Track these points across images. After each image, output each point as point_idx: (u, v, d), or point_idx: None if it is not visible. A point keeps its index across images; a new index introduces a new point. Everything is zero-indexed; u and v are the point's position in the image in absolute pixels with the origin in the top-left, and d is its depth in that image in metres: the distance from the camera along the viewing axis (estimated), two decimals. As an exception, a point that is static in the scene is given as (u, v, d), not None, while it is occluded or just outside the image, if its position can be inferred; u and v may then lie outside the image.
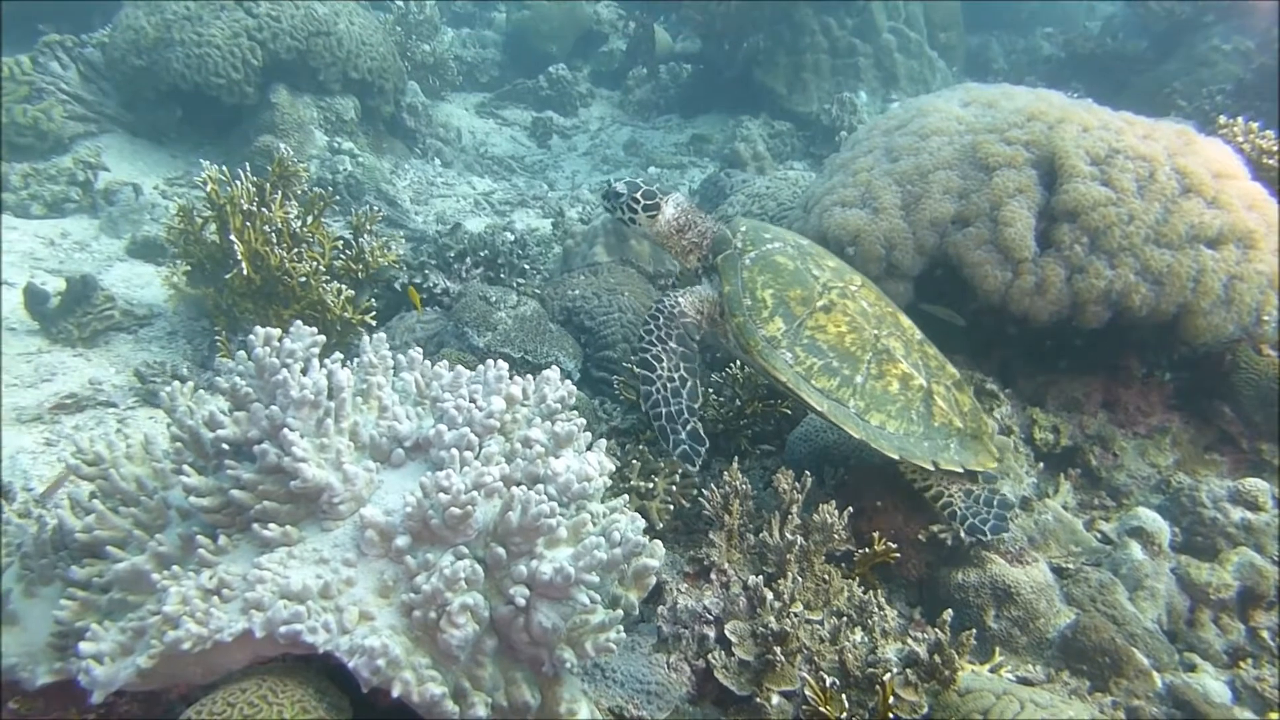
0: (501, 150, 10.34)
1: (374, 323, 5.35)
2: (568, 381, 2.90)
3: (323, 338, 2.83)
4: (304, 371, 2.67)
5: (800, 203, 5.42)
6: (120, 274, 6.43)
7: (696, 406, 3.69)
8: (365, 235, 5.70)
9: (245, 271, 5.07)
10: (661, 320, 3.84)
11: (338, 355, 2.81)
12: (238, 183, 5.30)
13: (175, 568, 2.50)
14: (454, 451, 2.54)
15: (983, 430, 3.79)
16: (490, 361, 2.81)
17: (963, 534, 3.66)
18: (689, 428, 3.62)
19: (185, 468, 2.63)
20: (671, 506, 3.92)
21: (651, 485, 3.89)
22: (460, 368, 2.78)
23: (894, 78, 9.86)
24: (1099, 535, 4.01)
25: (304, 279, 5.19)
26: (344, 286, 5.36)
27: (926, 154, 4.71)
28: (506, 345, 5.07)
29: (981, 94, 4.97)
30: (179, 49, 7.65)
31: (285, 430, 2.53)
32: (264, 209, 5.21)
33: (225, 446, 2.67)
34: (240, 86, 7.79)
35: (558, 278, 5.85)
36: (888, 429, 3.63)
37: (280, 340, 2.73)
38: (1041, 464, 4.31)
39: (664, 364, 3.76)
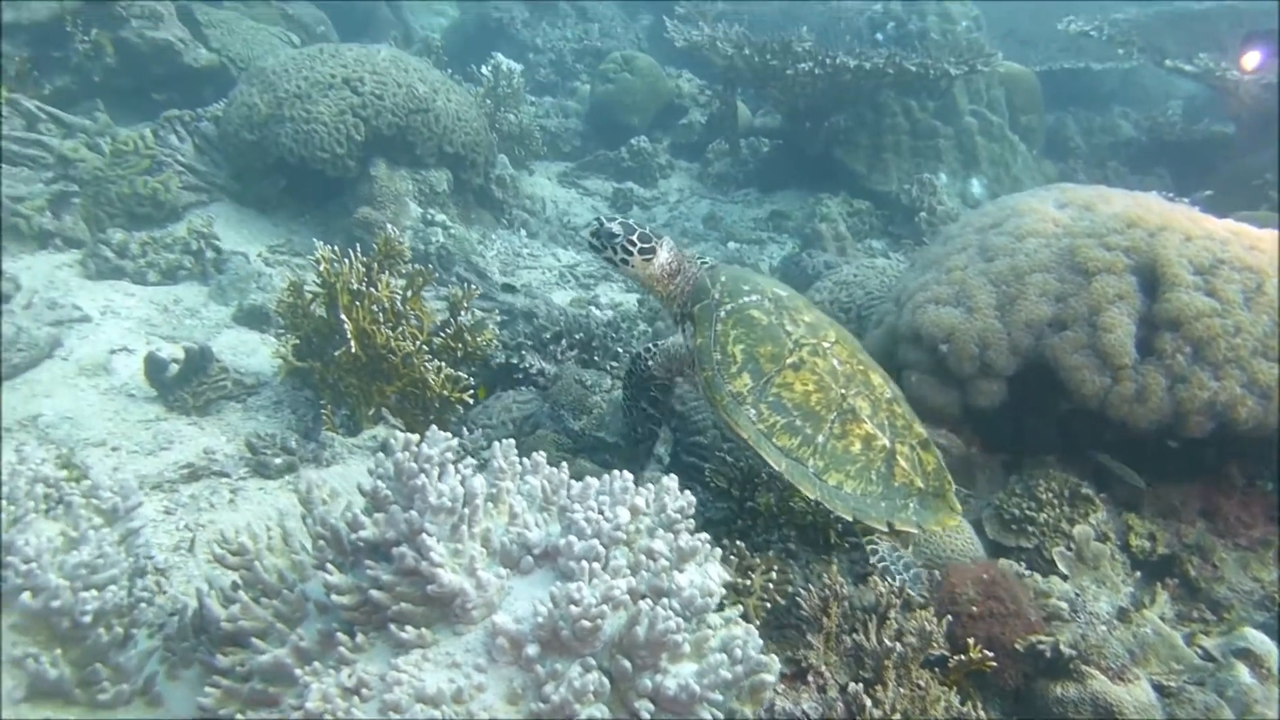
0: (584, 221, 10.58)
1: (471, 401, 5.52)
2: (687, 492, 3.00)
3: (455, 441, 2.97)
4: (440, 477, 2.81)
5: (891, 296, 5.50)
6: (227, 341, 6.72)
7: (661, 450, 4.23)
8: (462, 312, 5.89)
9: (354, 349, 5.29)
10: (633, 381, 4.32)
11: (470, 460, 2.95)
12: (346, 261, 5.54)
13: (316, 664, 2.63)
14: (584, 564, 2.65)
15: (945, 489, 3.85)
16: (616, 473, 2.92)
17: (875, 572, 3.79)
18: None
19: (328, 566, 2.77)
20: (768, 605, 3.97)
21: (748, 582, 3.95)
22: (589, 478, 2.89)
23: (975, 160, 9.94)
24: (1200, 651, 3.96)
25: (407, 357, 5.39)
26: (443, 364, 5.54)
27: (1023, 255, 4.77)
28: (601, 430, 5.20)
29: (1077, 195, 5.03)
30: (289, 125, 8.03)
31: (423, 536, 2.66)
32: (372, 288, 5.44)
33: (363, 545, 2.82)
34: (343, 160, 8.14)
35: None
36: (845, 489, 3.71)
37: (418, 445, 2.88)
38: (1138, 573, 4.29)
39: (634, 415, 4.44)
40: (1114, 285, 4.39)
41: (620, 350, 5.86)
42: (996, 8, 12.64)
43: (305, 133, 8.02)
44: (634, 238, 4.13)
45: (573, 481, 2.90)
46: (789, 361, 3.81)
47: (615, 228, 4.18)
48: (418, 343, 5.46)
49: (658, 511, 2.98)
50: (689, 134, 12.18)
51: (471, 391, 5.52)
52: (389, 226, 6.43)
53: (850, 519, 3.67)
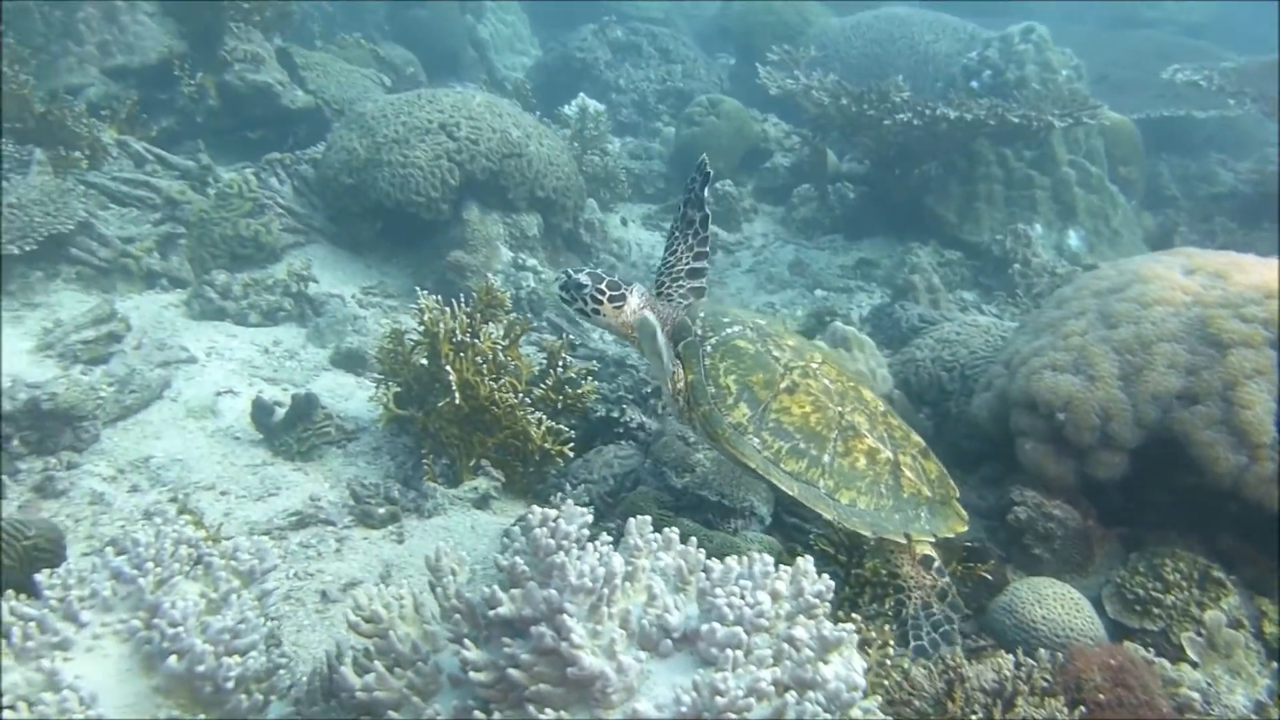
0: (668, 264, 10.59)
1: (572, 454, 5.51)
2: (824, 575, 2.93)
3: (590, 516, 2.94)
4: (579, 555, 2.78)
5: (1001, 359, 5.37)
6: (325, 384, 6.82)
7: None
8: (560, 364, 5.90)
9: (457, 400, 5.31)
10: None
11: (606, 537, 2.91)
12: (448, 310, 5.58)
13: (453, 742, 2.60)
14: (728, 652, 2.59)
15: (950, 495, 3.89)
16: (755, 556, 2.86)
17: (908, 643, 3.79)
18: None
19: (465, 642, 2.75)
20: (885, 682, 3.86)
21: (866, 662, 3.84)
22: (730, 561, 2.84)
23: (1072, 211, 9.74)
24: (1347, 750, 3.75)
25: (509, 409, 5.40)
26: (544, 416, 5.55)
27: (1149, 323, 4.62)
28: (704, 488, 5.14)
29: (1206, 261, 4.87)
30: (386, 169, 8.19)
31: (563, 617, 2.63)
32: (475, 340, 5.47)
33: (498, 620, 2.79)
34: (437, 204, 8.27)
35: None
36: (859, 506, 3.71)
37: (556, 520, 2.85)
38: (1275, 663, 4.09)
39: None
40: (1251, 360, 4.22)
41: (721, 406, 5.80)
42: (1088, 53, 12.43)
43: (402, 176, 8.17)
44: (602, 286, 4.11)
45: (712, 563, 2.85)
46: (783, 386, 3.81)
47: (583, 278, 4.16)
48: (519, 394, 5.47)
49: (794, 595, 2.91)
50: (773, 178, 12.15)
51: (572, 444, 5.51)
52: (490, 276, 6.49)
53: (870, 535, 3.66)
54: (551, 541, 2.80)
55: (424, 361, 5.71)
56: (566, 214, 9.18)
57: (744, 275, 10.64)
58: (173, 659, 2.68)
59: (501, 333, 5.70)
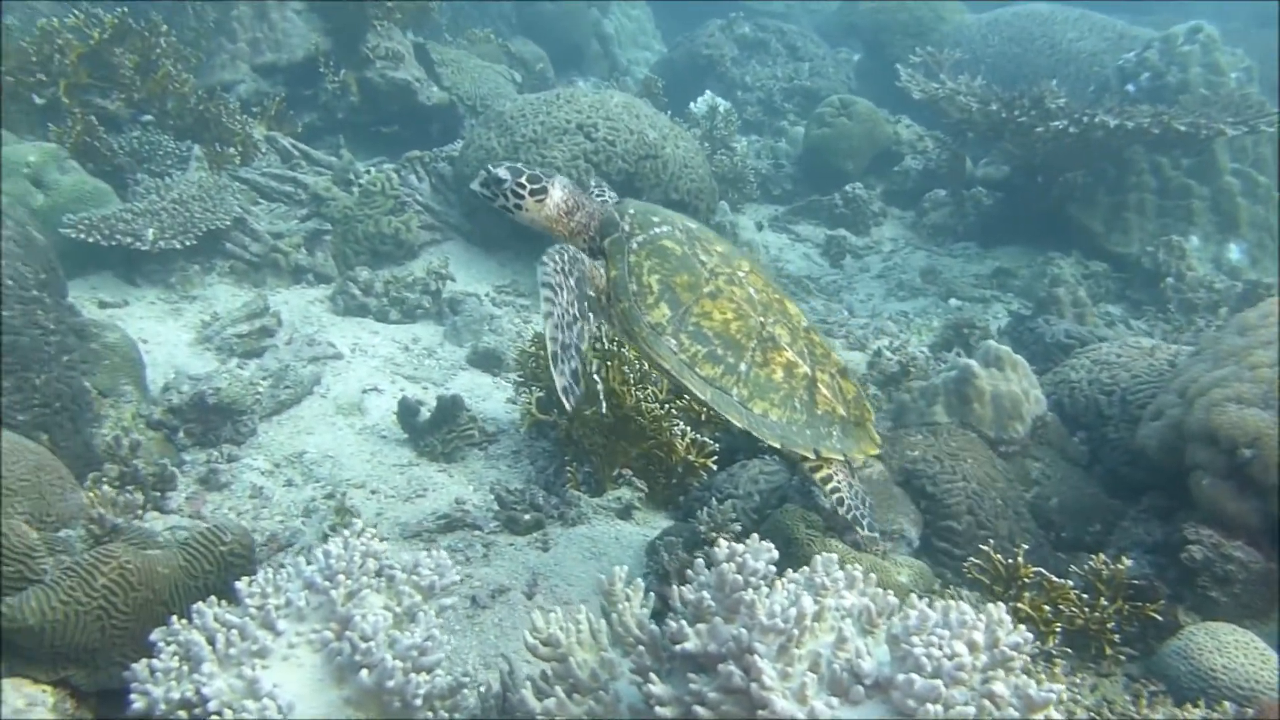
0: (796, 269, 10.45)
1: (715, 467, 5.45)
2: (1021, 627, 2.79)
3: (776, 553, 2.87)
4: (769, 592, 2.71)
5: (1174, 387, 5.09)
6: (463, 383, 6.91)
7: (583, 348, 3.60)
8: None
9: (604, 410, 5.30)
10: (566, 256, 3.65)
11: (795, 575, 2.84)
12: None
13: (639, 777, 2.57)
14: (927, 706, 2.49)
15: (865, 418, 3.85)
16: (951, 603, 2.75)
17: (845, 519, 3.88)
18: (573, 365, 3.57)
19: (652, 676, 2.72)
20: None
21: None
22: (924, 608, 2.73)
23: (1234, 223, 9.21)
24: None
25: (655, 419, 5.37)
26: (688, 428, 5.50)
27: (1348, 358, 4.32)
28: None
29: None
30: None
31: (755, 658, 2.57)
32: (622, 349, 5.45)
33: (680, 654, 2.75)
34: (573, 205, 8.28)
35: (892, 433, 5.77)
36: (770, 417, 3.67)
37: (743, 555, 2.79)
38: None
39: (563, 294, 3.55)
40: None
41: (868, 423, 5.67)
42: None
43: (540, 177, 8.20)
44: (523, 180, 3.87)
45: (910, 612, 2.75)
46: (706, 290, 3.71)
47: (502, 172, 3.90)
48: (664, 405, 5.44)
49: (990, 645, 2.79)
50: (903, 181, 11.86)
51: (715, 457, 5.45)
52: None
53: (778, 446, 3.67)
54: (739, 577, 2.74)
55: (567, 367, 5.71)
56: (699, 216, 9.10)
57: (873, 280, 10.42)
58: (364, 673, 2.72)
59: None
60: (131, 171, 7.74)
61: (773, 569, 2.82)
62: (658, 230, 3.88)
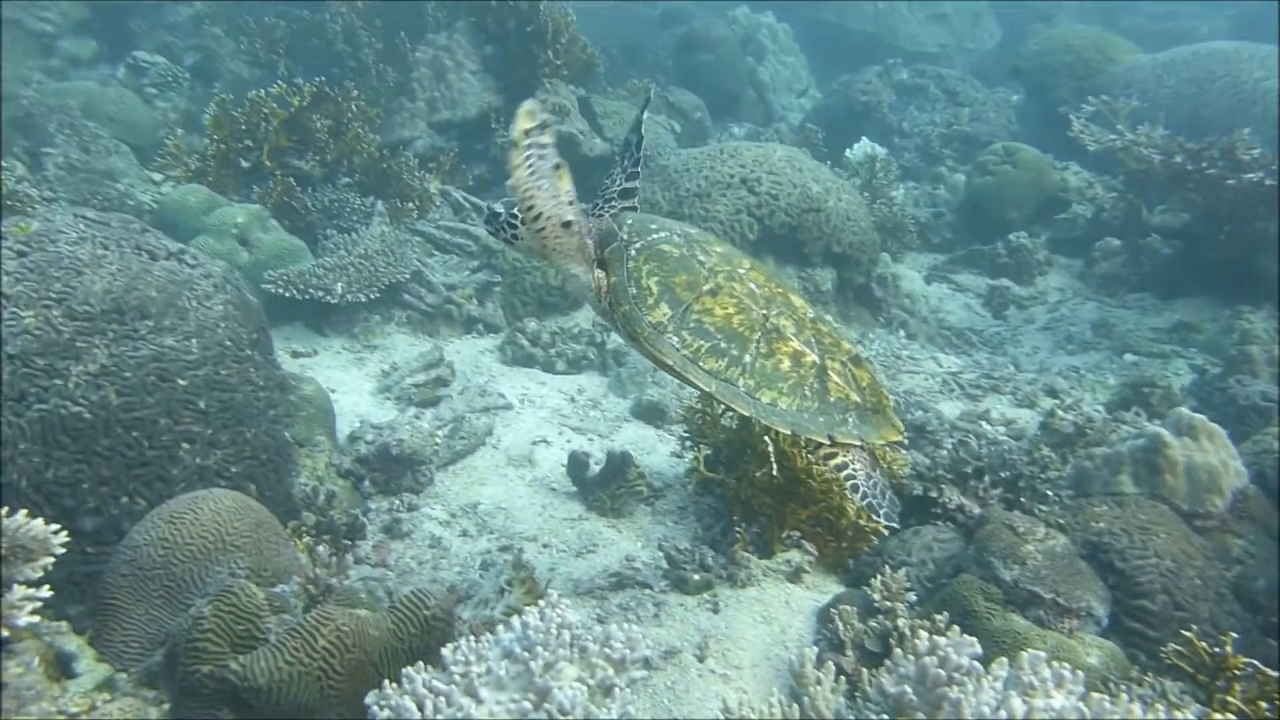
0: (957, 319, 10.18)
1: (887, 532, 5.34)
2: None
3: (980, 649, 2.80)
4: (975, 690, 2.64)
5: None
6: (627, 436, 7.01)
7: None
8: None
9: (775, 471, 5.29)
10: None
11: (1001, 672, 2.76)
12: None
13: None
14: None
15: (884, 405, 3.78)
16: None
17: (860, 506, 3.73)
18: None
19: (850, 769, 2.68)
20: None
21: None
22: (1139, 708, 2.61)
23: None
24: None
25: (825, 482, 5.31)
26: (858, 491, 5.41)
27: None
28: (1036, 583, 4.82)
29: None
30: (687, 223, 8.37)
31: (963, 758, 2.50)
32: (793, 410, 5.42)
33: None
34: (734, 258, 8.35)
35: (1075, 502, 5.53)
36: (779, 405, 3.62)
37: (946, 649, 2.73)
38: None
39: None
40: None
41: (1049, 493, 5.45)
42: None
43: (703, 230, 8.30)
44: (515, 211, 3.90)
45: (1129, 720, 2.63)
46: (706, 288, 3.74)
47: (498, 207, 3.99)
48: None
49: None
50: (1070, 228, 11.43)
51: (887, 523, 5.34)
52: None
53: (789, 433, 3.64)
54: (942, 672, 2.69)
55: (734, 425, 5.73)
56: (860, 268, 9.03)
57: (1039, 333, 10.05)
58: (563, 747, 2.78)
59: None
60: (322, 227, 8.25)
61: (978, 664, 2.75)
62: (655, 236, 3.94)
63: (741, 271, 3.94)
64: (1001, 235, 11.15)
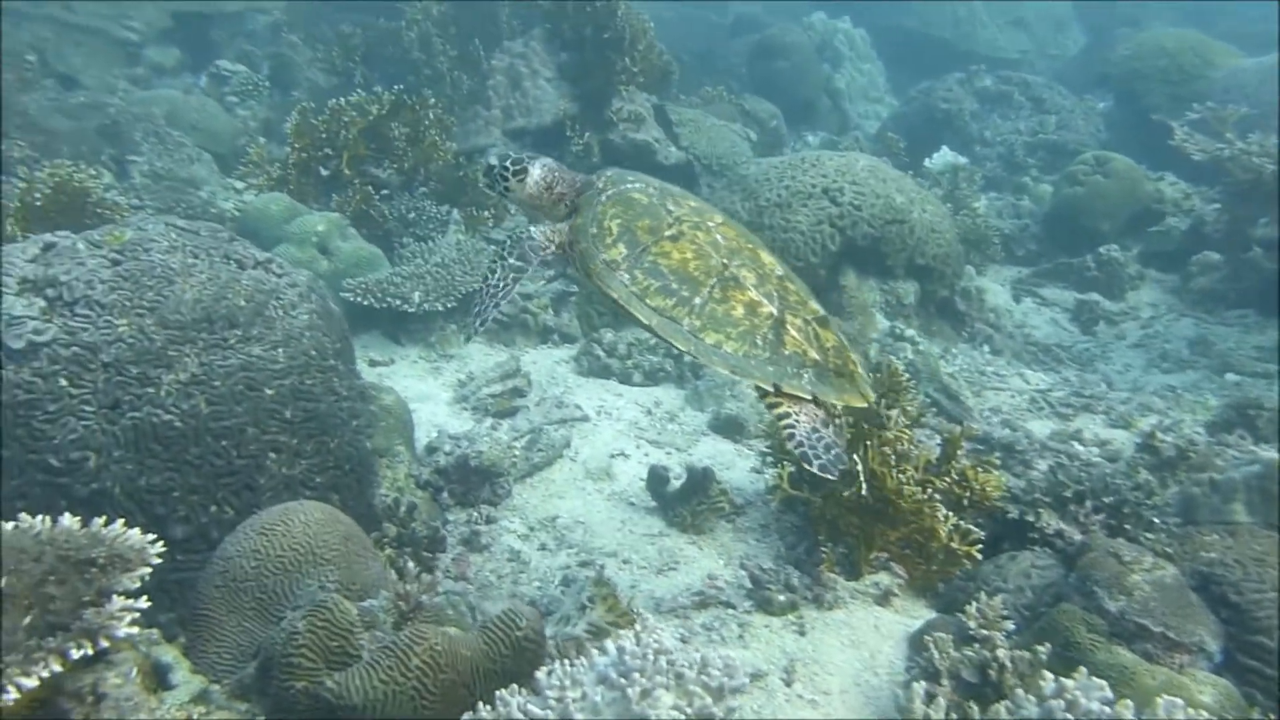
0: (1043, 334, 9.85)
1: (980, 555, 5.13)
2: None
3: (1110, 693, 2.61)
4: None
5: None
6: (705, 450, 6.88)
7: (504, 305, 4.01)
8: (959, 455, 5.53)
9: (864, 491, 5.11)
10: (509, 242, 4.02)
11: (1128, 704, 2.57)
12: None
13: None
14: None
15: (850, 369, 3.70)
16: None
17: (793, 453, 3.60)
18: (493, 313, 3.99)
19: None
20: None
21: None
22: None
23: None
24: None
25: (916, 504, 5.12)
26: (950, 514, 5.21)
27: None
28: (1145, 615, 4.58)
29: None
30: (767, 232, 8.23)
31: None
32: (884, 431, 5.25)
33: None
34: (815, 269, 8.18)
35: (1182, 531, 5.25)
36: (724, 349, 3.59)
37: (1074, 693, 2.56)
38: None
39: (496, 274, 4.00)
40: None
41: (1155, 520, 5.19)
42: None
43: (783, 240, 8.16)
44: (507, 164, 4.11)
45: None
46: (667, 234, 3.76)
47: (492, 159, 4.10)
48: (928, 490, 5.18)
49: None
50: (1164, 242, 11.00)
51: (981, 546, 5.14)
52: (893, 359, 6.26)
53: (728, 374, 3.60)
54: (1070, 717, 2.51)
55: (819, 442, 5.56)
56: (944, 282, 8.78)
57: (1131, 350, 9.67)
58: (662, 780, 2.67)
59: (903, 418, 5.44)
60: (399, 235, 8.29)
61: (1108, 709, 2.57)
62: (629, 185, 3.99)
63: (710, 225, 3.93)
64: (1090, 248, 10.77)
